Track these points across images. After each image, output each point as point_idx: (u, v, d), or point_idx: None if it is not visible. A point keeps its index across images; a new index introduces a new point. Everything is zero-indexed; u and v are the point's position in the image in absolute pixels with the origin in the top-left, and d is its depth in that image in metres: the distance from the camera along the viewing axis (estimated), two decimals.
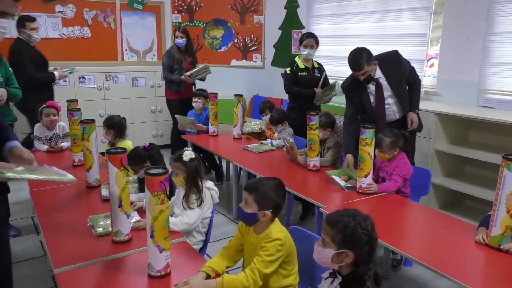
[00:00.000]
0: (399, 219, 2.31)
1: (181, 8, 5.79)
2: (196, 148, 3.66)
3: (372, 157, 2.47)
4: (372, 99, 2.93)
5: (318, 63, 3.89)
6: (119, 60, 5.42)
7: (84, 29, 5.16)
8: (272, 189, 1.64)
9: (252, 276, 1.53)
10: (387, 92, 2.92)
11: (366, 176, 2.47)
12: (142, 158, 2.37)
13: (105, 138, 3.20)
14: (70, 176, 1.70)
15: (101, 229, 1.92)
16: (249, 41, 5.80)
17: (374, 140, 2.44)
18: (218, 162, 4.41)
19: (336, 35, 4.76)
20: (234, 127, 3.95)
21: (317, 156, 2.97)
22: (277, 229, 1.66)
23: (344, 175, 2.71)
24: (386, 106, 2.95)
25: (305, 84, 3.75)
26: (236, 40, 5.81)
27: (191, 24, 5.79)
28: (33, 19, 3.95)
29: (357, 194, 2.49)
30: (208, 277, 1.58)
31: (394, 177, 2.59)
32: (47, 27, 4.94)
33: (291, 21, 5.35)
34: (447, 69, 3.64)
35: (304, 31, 5.14)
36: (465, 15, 3.44)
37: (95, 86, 5.04)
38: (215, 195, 2.21)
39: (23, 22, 3.89)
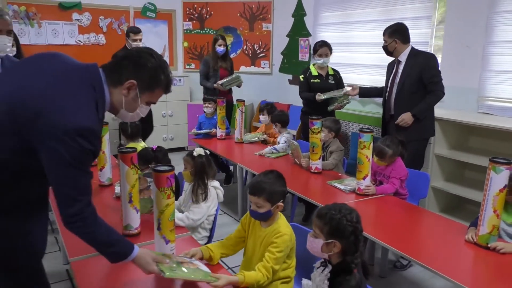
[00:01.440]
0: (397, 220, 2.40)
1: (192, 16, 5.98)
2: None
3: (370, 160, 2.58)
4: (390, 78, 3.31)
5: (334, 70, 4.00)
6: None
7: (99, 36, 5.39)
8: (275, 183, 1.76)
9: (267, 274, 1.66)
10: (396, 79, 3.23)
11: (364, 178, 2.58)
12: (148, 159, 2.52)
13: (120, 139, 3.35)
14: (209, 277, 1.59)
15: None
16: (257, 48, 5.96)
17: (372, 144, 2.55)
18: (227, 165, 4.54)
19: (341, 42, 4.88)
20: (235, 130, 4.10)
21: (319, 159, 3.08)
22: (285, 224, 1.79)
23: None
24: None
25: (317, 91, 3.84)
26: (245, 47, 5.98)
27: (201, 32, 5.98)
28: (136, 31, 4.32)
29: (356, 196, 2.60)
30: (202, 256, 1.74)
31: (391, 179, 2.69)
32: (64, 34, 5.18)
33: (298, 29, 5.50)
34: (448, 76, 3.71)
35: (310, 39, 5.29)
36: (466, 24, 3.54)
37: None
38: (220, 193, 2.34)
39: (128, 33, 4.32)
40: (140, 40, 4.32)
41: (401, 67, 3.21)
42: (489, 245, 1.89)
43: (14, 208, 1.44)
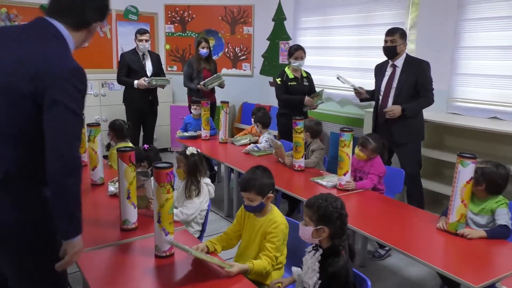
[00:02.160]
0: (375, 212, 2.59)
1: (174, 19, 6.07)
2: None
3: (350, 157, 2.77)
4: (384, 81, 3.33)
5: (306, 72, 4.18)
6: (114, 68, 5.66)
7: None
8: (263, 177, 1.93)
9: (272, 262, 1.84)
10: (393, 83, 3.26)
11: (345, 174, 2.77)
12: (140, 158, 2.62)
13: (108, 139, 3.39)
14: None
15: None
16: (239, 51, 6.10)
17: (352, 142, 2.74)
18: (211, 164, 4.66)
19: (320, 46, 5.09)
20: (219, 131, 4.24)
21: (302, 157, 3.25)
22: (279, 215, 1.96)
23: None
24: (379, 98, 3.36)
25: (295, 93, 4.02)
26: (226, 49, 6.11)
27: (183, 34, 6.07)
28: (142, 31, 4.44)
29: (338, 191, 2.78)
30: (208, 250, 1.89)
31: (370, 176, 2.89)
32: None
33: (279, 32, 5.68)
34: None
35: (290, 42, 5.47)
36: (436, 31, 3.80)
37: (92, 92, 5.27)
38: (211, 190, 2.48)
39: (136, 33, 4.44)
40: (146, 40, 4.43)
41: (398, 71, 3.22)
42: (458, 232, 2.10)
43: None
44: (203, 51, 4.66)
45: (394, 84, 3.24)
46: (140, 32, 4.42)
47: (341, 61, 4.88)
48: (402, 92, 3.20)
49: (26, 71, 1.35)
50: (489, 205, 2.18)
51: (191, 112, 4.58)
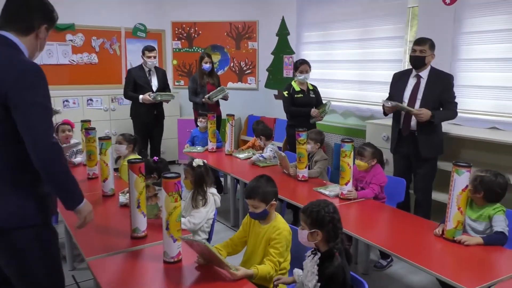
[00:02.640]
0: (376, 220, 2.68)
1: (181, 36, 6.26)
2: None
3: (351, 167, 2.86)
4: (406, 93, 3.25)
5: (312, 85, 4.31)
6: (123, 83, 5.82)
7: (91, 56, 5.60)
8: (267, 185, 2.04)
9: (275, 267, 1.93)
10: (418, 95, 3.18)
11: (346, 184, 2.86)
12: (150, 170, 2.74)
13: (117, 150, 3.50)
14: None
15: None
16: (244, 65, 6.26)
17: (352, 152, 2.83)
18: (217, 176, 4.77)
19: (322, 60, 5.21)
20: (225, 143, 4.35)
21: (306, 167, 3.35)
22: (282, 222, 2.05)
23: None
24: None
25: (302, 105, 4.16)
26: (232, 64, 6.27)
27: (190, 50, 6.25)
28: (150, 49, 4.64)
29: (340, 200, 2.86)
30: None
31: (371, 185, 2.97)
32: (58, 54, 5.38)
33: (283, 47, 5.83)
34: None
35: (294, 56, 5.62)
36: (435, 41, 3.88)
37: (102, 107, 5.44)
38: (217, 199, 2.58)
39: (143, 50, 4.64)
40: (154, 57, 4.61)
41: (423, 82, 3.18)
42: (455, 239, 2.17)
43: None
44: (206, 66, 4.80)
45: (419, 96, 3.17)
46: (148, 49, 4.59)
47: (343, 74, 4.99)
48: (428, 104, 3.11)
49: None
50: (486, 211, 2.24)
51: (197, 126, 4.70)
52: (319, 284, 1.59)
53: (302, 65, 4.16)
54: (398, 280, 2.98)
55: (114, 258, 2.00)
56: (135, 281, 1.81)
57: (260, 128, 4.24)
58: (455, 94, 3.21)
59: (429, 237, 2.28)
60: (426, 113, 3.05)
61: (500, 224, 2.17)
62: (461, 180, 2.13)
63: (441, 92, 3.14)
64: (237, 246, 2.15)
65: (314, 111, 4.10)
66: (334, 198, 2.89)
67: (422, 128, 3.15)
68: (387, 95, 4.50)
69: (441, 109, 3.17)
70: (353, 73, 4.84)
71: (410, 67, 3.32)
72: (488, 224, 2.23)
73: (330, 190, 3.01)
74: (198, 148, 4.47)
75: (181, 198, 1.94)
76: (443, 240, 2.22)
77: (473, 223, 2.29)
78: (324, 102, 4.24)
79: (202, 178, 2.50)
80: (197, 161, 2.52)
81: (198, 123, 4.58)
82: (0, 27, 1.61)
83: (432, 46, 3.15)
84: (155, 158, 2.79)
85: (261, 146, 4.28)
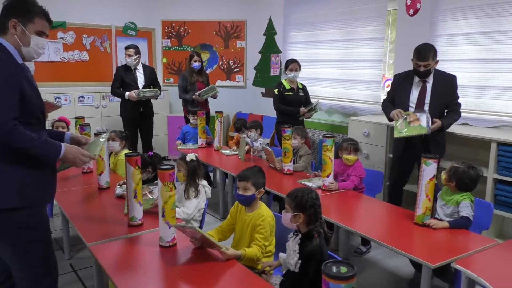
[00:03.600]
0: (356, 209, 2.90)
1: (170, 34, 6.40)
2: None
3: (333, 161, 3.07)
4: (412, 98, 3.24)
5: (302, 84, 4.51)
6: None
7: (82, 53, 5.72)
8: (258, 174, 2.26)
9: (262, 250, 2.12)
10: (426, 99, 3.19)
11: (328, 176, 3.07)
12: (145, 164, 2.91)
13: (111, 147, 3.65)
14: None
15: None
16: (232, 63, 6.43)
17: (334, 147, 3.04)
18: (207, 171, 4.94)
19: (308, 59, 5.42)
20: (214, 139, 4.54)
21: (291, 162, 3.56)
22: (266, 209, 2.26)
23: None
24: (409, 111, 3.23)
25: (291, 102, 4.35)
26: (220, 62, 6.44)
27: (179, 48, 6.40)
28: (127, 47, 4.79)
29: (322, 191, 3.08)
30: None
31: (352, 177, 3.19)
32: (50, 52, 5.47)
33: (270, 46, 6.03)
34: None
35: (281, 55, 5.82)
36: (412, 43, 4.12)
37: (93, 104, 5.56)
38: (208, 191, 2.77)
39: (125, 49, 4.78)
40: (130, 55, 4.73)
41: (429, 86, 3.20)
42: (424, 222, 2.40)
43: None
44: (196, 64, 4.96)
45: (427, 100, 3.19)
46: (125, 47, 4.78)
47: (328, 72, 5.21)
48: (435, 107, 3.18)
49: None
50: (455, 197, 2.48)
51: (187, 122, 4.87)
52: (300, 261, 1.79)
53: (291, 64, 4.36)
54: (376, 264, 3.21)
55: (114, 243, 2.18)
56: (134, 263, 1.99)
57: (258, 123, 4.42)
58: (459, 95, 3.24)
59: (402, 223, 2.51)
60: (438, 125, 3.09)
61: (465, 209, 2.41)
62: (429, 170, 2.36)
63: (447, 94, 3.19)
64: (226, 232, 2.35)
65: (303, 111, 4.29)
66: (316, 190, 3.09)
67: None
68: (369, 93, 4.79)
69: (445, 110, 3.24)
70: (337, 72, 5.06)
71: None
72: (455, 208, 2.47)
73: (314, 182, 3.22)
74: (190, 145, 4.63)
75: (175, 188, 2.13)
76: (413, 225, 2.45)
77: (443, 206, 2.53)
78: (312, 101, 4.44)
79: (195, 172, 2.69)
80: (190, 156, 2.71)
81: (191, 120, 4.75)
82: None
83: (434, 55, 3.12)
84: (150, 152, 2.96)
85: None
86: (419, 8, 4.05)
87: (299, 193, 1.90)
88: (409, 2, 4.11)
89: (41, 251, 1.93)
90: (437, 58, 3.19)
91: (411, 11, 4.09)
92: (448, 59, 3.90)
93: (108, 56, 5.94)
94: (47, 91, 5.04)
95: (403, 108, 3.25)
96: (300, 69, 4.40)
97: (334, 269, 1.10)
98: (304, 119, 4.43)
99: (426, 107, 3.21)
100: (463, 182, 2.46)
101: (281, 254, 2.10)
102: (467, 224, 2.40)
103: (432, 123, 3.08)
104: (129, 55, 4.72)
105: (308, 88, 4.63)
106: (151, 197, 2.57)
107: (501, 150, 3.20)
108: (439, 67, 3.33)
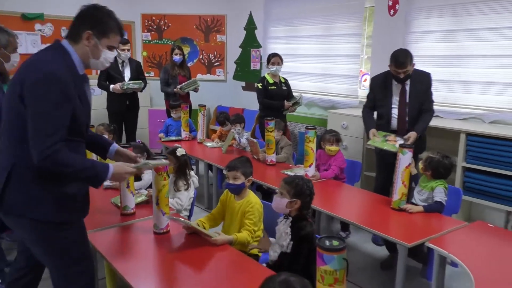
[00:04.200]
0: (337, 196, 3.08)
1: (150, 28, 6.40)
2: None
3: (314, 151, 3.23)
4: (394, 100, 3.29)
5: (284, 78, 4.59)
6: (93, 74, 5.92)
7: None
8: (246, 163, 2.38)
9: (251, 235, 2.25)
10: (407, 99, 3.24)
11: (310, 166, 3.22)
12: (142, 150, 2.98)
13: None
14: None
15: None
16: (213, 57, 6.50)
17: (315, 138, 3.20)
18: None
19: (288, 54, 5.53)
20: (198, 132, 4.63)
21: (273, 153, 3.70)
22: (254, 197, 2.38)
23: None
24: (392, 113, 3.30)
25: (274, 96, 4.43)
26: (201, 56, 6.50)
27: (160, 42, 6.41)
28: (124, 42, 4.72)
29: None
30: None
31: (332, 167, 3.36)
32: (27, 44, 5.40)
33: (250, 40, 6.13)
34: None
35: (261, 50, 5.93)
36: (388, 39, 4.33)
37: None
38: (195, 180, 2.88)
39: (119, 44, 4.64)
40: (128, 50, 4.78)
41: (407, 87, 3.26)
42: (401, 207, 2.59)
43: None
44: (177, 57, 5.02)
45: (407, 101, 3.26)
46: (123, 42, 4.74)
47: (307, 67, 5.36)
48: (415, 106, 3.24)
49: (20, 76, 1.65)
50: (430, 184, 2.68)
51: (169, 116, 4.93)
52: (291, 242, 1.93)
53: (274, 58, 4.43)
54: (356, 248, 3.41)
55: (109, 231, 2.26)
56: (131, 249, 2.09)
57: (240, 116, 4.51)
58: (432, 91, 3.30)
59: (380, 208, 2.69)
60: (413, 136, 3.12)
61: (439, 195, 2.62)
62: (405, 158, 2.55)
63: (425, 91, 3.26)
64: (216, 219, 2.47)
65: (287, 104, 4.38)
66: None
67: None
68: (347, 87, 4.97)
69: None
70: (316, 67, 5.22)
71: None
72: (430, 194, 2.67)
73: (296, 172, 3.37)
74: (173, 138, 4.70)
75: (168, 177, 2.23)
76: (391, 210, 2.63)
77: (420, 191, 2.74)
78: (295, 94, 4.54)
79: (185, 165, 2.79)
80: (181, 151, 2.79)
81: (172, 114, 4.81)
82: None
83: (411, 59, 3.17)
84: (139, 140, 3.05)
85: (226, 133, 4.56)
86: (398, 9, 4.24)
87: (299, 181, 2.02)
88: (390, 3, 4.29)
89: (77, 252, 1.84)
90: (412, 63, 3.22)
91: (391, 12, 4.27)
92: (421, 55, 4.11)
93: None
94: None
95: (386, 112, 3.32)
96: (282, 63, 4.49)
97: (327, 243, 1.24)
98: (288, 113, 4.54)
99: (407, 108, 3.25)
100: (438, 170, 2.66)
101: (271, 239, 2.24)
102: (439, 208, 2.61)
103: (407, 139, 3.10)
104: (127, 50, 4.76)
105: (290, 82, 4.76)
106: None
107: (470, 140, 3.44)
108: (414, 61, 3.39)
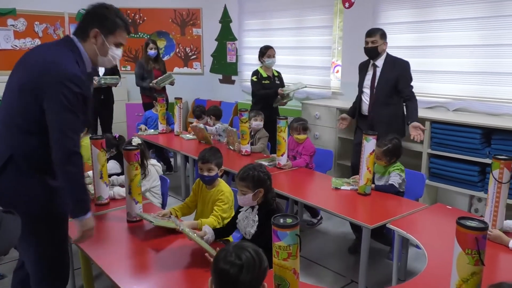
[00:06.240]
0: (308, 184, 3.19)
1: None
2: (149, 145, 4.32)
3: (286, 141, 3.33)
4: (366, 83, 3.45)
5: (277, 72, 4.54)
6: None
7: (35, 41, 5.60)
8: (218, 153, 2.45)
9: (218, 220, 2.30)
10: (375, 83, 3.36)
11: (282, 155, 3.33)
12: (111, 145, 3.03)
13: None
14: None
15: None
16: (189, 50, 6.53)
17: (287, 128, 3.30)
18: (167, 156, 5.09)
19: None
20: (175, 125, 4.68)
21: (248, 143, 3.78)
22: (225, 185, 2.46)
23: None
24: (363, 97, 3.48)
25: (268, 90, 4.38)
26: (177, 50, 6.51)
27: (136, 36, 6.40)
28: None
29: (277, 169, 3.33)
30: (170, 214, 2.34)
31: (303, 156, 3.48)
32: (0, 39, 5.32)
33: (226, 33, 6.18)
34: (347, 74, 4.64)
35: (237, 42, 5.99)
36: (358, 31, 4.44)
37: None
38: (159, 169, 2.96)
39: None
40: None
41: (378, 71, 3.36)
42: (366, 192, 2.72)
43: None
44: (151, 51, 5.04)
45: (376, 83, 3.38)
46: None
47: (281, 59, 5.41)
48: (383, 90, 3.35)
49: (32, 69, 1.69)
50: (387, 169, 2.86)
51: (145, 109, 4.98)
52: (257, 230, 2.00)
53: (269, 50, 4.36)
54: (327, 233, 3.54)
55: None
56: (105, 237, 2.16)
57: (212, 109, 4.58)
58: (412, 79, 3.38)
59: (348, 194, 2.81)
60: (418, 125, 3.21)
61: (393, 178, 2.81)
62: (369, 145, 2.67)
63: (397, 79, 3.32)
64: (190, 208, 2.54)
65: (280, 92, 4.29)
66: (272, 168, 3.35)
67: (373, 113, 3.42)
68: (319, 78, 5.09)
69: (402, 98, 3.38)
70: (290, 59, 5.32)
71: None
72: (387, 178, 2.85)
73: (270, 161, 3.47)
74: (151, 131, 4.74)
75: (140, 167, 2.29)
76: (357, 195, 2.76)
77: (379, 178, 2.90)
78: (297, 85, 4.45)
79: (142, 154, 2.81)
80: (136, 140, 2.83)
81: (153, 110, 4.87)
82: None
83: (383, 35, 3.33)
84: (116, 134, 3.09)
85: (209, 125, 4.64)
86: (354, 2, 4.35)
87: (252, 172, 2.01)
88: None
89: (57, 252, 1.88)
90: (385, 42, 3.38)
91: (346, 4, 4.39)
92: (389, 46, 4.24)
93: None
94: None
95: (359, 95, 3.51)
96: (275, 54, 4.38)
97: (281, 220, 1.34)
98: (279, 106, 4.52)
99: (374, 91, 3.41)
100: (398, 152, 2.86)
101: None
102: (390, 190, 2.77)
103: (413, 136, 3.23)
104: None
105: None
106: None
107: (434, 127, 3.59)
108: None
